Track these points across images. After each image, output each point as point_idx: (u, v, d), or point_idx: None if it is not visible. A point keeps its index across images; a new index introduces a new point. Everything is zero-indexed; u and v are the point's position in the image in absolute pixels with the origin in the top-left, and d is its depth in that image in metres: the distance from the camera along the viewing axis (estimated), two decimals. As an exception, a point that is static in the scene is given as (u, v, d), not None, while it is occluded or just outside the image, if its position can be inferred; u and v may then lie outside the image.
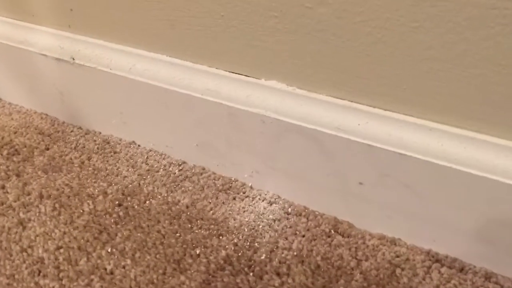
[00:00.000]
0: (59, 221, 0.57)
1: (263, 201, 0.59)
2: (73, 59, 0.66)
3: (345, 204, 0.54)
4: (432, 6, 0.40)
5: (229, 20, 0.52)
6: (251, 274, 0.50)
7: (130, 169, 0.65)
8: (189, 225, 0.56)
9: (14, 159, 0.67)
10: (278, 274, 0.50)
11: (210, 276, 0.50)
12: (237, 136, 0.57)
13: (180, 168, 0.64)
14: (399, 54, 0.44)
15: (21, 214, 0.58)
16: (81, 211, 0.58)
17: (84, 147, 0.70)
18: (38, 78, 0.72)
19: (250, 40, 0.52)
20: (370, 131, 0.48)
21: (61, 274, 0.50)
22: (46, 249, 0.53)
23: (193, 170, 0.64)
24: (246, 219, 0.56)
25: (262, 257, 0.52)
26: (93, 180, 0.63)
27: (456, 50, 0.41)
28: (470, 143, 0.45)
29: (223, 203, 0.59)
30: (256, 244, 0.53)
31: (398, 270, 0.49)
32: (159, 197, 0.60)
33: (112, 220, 0.57)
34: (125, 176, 0.64)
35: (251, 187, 0.61)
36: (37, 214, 0.58)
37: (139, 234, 0.55)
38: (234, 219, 0.56)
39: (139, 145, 0.69)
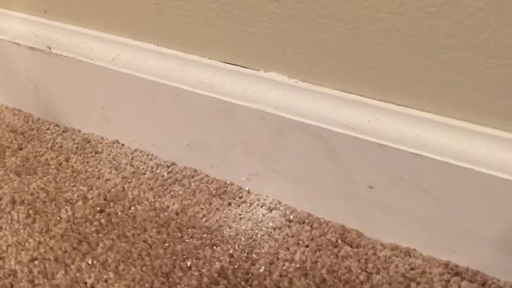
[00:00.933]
0: (34, 229, 0.57)
1: (261, 207, 0.59)
2: (50, 48, 0.66)
3: (353, 211, 0.54)
4: (451, -11, 0.41)
5: (224, 4, 0.52)
6: (248, 288, 0.50)
7: (113, 171, 0.65)
8: (179, 234, 0.56)
9: (-17, 160, 0.67)
10: (278, 289, 0.50)
11: (203, 291, 0.50)
12: (233, 134, 0.57)
13: (169, 170, 0.64)
14: (414, 43, 0.44)
15: (-9, 222, 0.58)
16: (58, 218, 0.58)
17: (61, 146, 0.70)
18: (10, 70, 0.72)
19: (248, 27, 0.52)
20: (382, 128, 0.48)
21: (35, 289, 0.50)
22: (19, 261, 0.53)
23: (183, 173, 0.64)
24: (243, 227, 0.56)
25: (261, 270, 0.52)
26: (72, 184, 0.63)
27: (477, 38, 0.41)
28: (493, 142, 0.45)
29: (217, 209, 0.59)
30: (254, 255, 0.53)
31: (413, 285, 0.49)
32: (146, 202, 0.60)
33: (93, 229, 0.57)
34: (108, 179, 0.64)
35: (248, 192, 0.61)
36: (9, 222, 0.58)
37: (123, 244, 0.55)
38: (230, 227, 0.56)
39: (123, 145, 0.69)
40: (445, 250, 0.51)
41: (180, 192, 0.61)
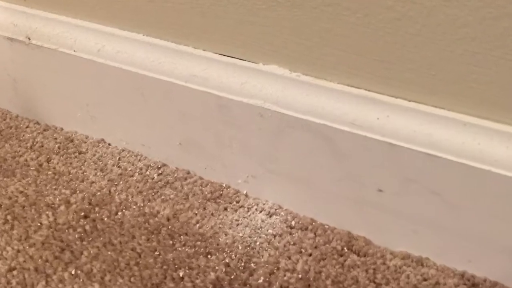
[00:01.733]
0: (12, 236, 0.57)
1: (260, 212, 0.59)
2: (29, 38, 0.66)
3: (361, 216, 0.54)
4: (468, -26, 0.41)
5: (219, -9, 0.52)
6: (246, 301, 0.50)
7: (98, 173, 0.65)
8: (171, 242, 0.56)
9: (-43, 161, 0.67)
10: (279, 301, 0.50)
11: (196, 304, 0.50)
12: (230, 133, 0.57)
13: (160, 172, 0.64)
14: (428, 33, 0.44)
15: (-36, 228, 0.58)
16: (39, 224, 0.58)
17: (42, 146, 0.69)
18: (-14, 62, 0.72)
19: (246, 16, 0.52)
20: (392, 126, 0.48)
21: (13, 302, 0.50)
22: (-4, 271, 0.53)
23: (175, 175, 0.64)
24: (240, 234, 0.56)
25: (260, 281, 0.51)
26: (54, 187, 0.63)
27: (496, 28, 0.41)
28: (513, 141, 0.45)
29: (212, 214, 0.59)
30: (252, 264, 0.53)
31: (425, 296, 0.49)
32: (134, 207, 0.60)
33: (76, 236, 0.56)
34: (93, 182, 0.64)
35: (246, 195, 0.61)
36: (-15, 228, 0.58)
37: (109, 253, 0.55)
38: (226, 234, 0.56)
39: (109, 144, 0.69)
40: (461, 259, 0.51)
41: (172, 196, 0.61)
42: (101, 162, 0.66)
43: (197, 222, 0.58)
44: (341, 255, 0.54)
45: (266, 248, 0.55)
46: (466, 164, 0.46)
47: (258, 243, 0.55)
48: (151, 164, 0.65)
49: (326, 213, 0.56)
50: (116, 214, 0.59)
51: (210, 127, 0.58)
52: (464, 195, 0.47)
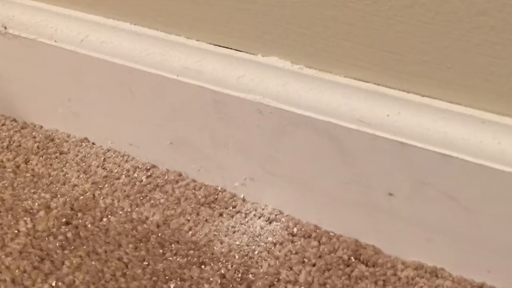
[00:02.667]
0: (-14, 245, 0.57)
1: (259, 218, 0.59)
2: (5, 28, 0.66)
3: (369, 223, 0.54)
4: (486, -43, 0.41)
5: (214, -25, 0.52)
6: (243, 316, 0.50)
7: (81, 176, 0.65)
8: (161, 251, 0.56)
9: None
10: (279, 316, 0.50)
11: (189, 319, 0.50)
12: (225, 131, 0.57)
13: (149, 174, 0.64)
14: (442, 21, 0.44)
15: None
16: (16, 231, 0.58)
17: (19, 145, 0.70)
18: (-41, 54, 0.72)
19: (242, 3, 0.52)
20: (403, 124, 0.48)
21: (-12, 317, 0.50)
22: (-32, 283, 0.53)
23: (165, 177, 0.64)
24: (237, 243, 0.56)
25: (259, 293, 0.52)
26: (32, 190, 0.63)
27: (518, 15, 0.41)
28: (536, 140, 0.45)
29: (206, 220, 0.59)
30: (250, 275, 0.53)
31: (440, 311, 0.49)
32: (121, 212, 0.60)
33: (57, 244, 0.57)
34: (75, 185, 0.64)
35: (243, 200, 0.61)
36: (-43, 236, 0.58)
37: (93, 263, 0.55)
38: (221, 243, 0.56)
39: (93, 143, 0.69)
40: (479, 270, 0.51)
41: (162, 201, 0.61)
42: (84, 163, 0.66)
43: (190, 229, 0.58)
44: (348, 265, 0.54)
45: (266, 258, 0.55)
46: (485, 165, 0.46)
47: (256, 252, 0.55)
48: (139, 166, 0.65)
49: (331, 219, 0.56)
50: (101, 220, 0.59)
51: (204, 125, 0.58)
52: (483, 200, 0.47)
